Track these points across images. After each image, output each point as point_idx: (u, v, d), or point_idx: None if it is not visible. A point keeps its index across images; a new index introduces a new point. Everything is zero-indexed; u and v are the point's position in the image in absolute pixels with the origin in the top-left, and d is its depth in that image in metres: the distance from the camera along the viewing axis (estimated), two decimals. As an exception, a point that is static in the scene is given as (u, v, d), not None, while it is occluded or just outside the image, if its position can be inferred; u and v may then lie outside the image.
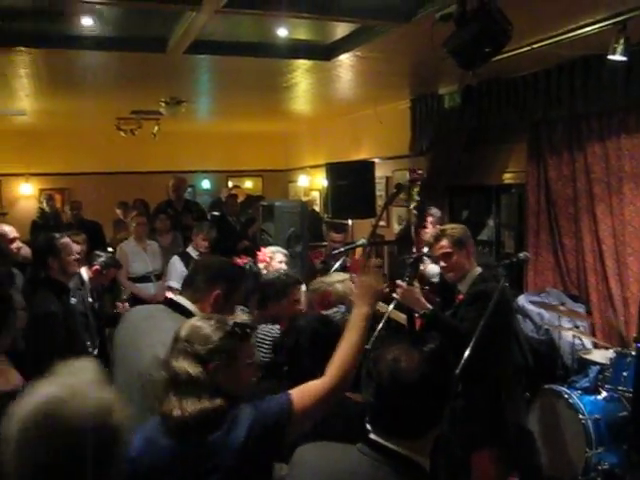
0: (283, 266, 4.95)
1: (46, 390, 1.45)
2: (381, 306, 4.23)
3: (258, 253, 5.21)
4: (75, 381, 1.49)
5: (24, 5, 4.45)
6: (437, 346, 1.76)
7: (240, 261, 5.27)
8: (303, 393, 2.09)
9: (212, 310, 2.61)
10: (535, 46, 5.05)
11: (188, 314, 2.56)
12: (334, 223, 7.54)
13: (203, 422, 1.92)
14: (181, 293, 2.76)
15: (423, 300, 3.74)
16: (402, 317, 4.30)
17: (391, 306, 3.95)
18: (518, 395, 4.00)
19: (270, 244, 5.58)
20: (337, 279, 4.19)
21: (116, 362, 2.71)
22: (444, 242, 3.86)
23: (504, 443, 3.35)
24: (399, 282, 3.90)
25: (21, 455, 1.39)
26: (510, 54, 4.86)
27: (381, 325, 3.78)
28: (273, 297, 3.72)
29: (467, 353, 2.84)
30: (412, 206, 4.25)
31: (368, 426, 1.78)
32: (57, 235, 4.43)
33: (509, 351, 3.45)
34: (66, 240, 4.37)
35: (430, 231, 5.07)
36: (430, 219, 5.25)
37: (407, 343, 1.75)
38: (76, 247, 4.72)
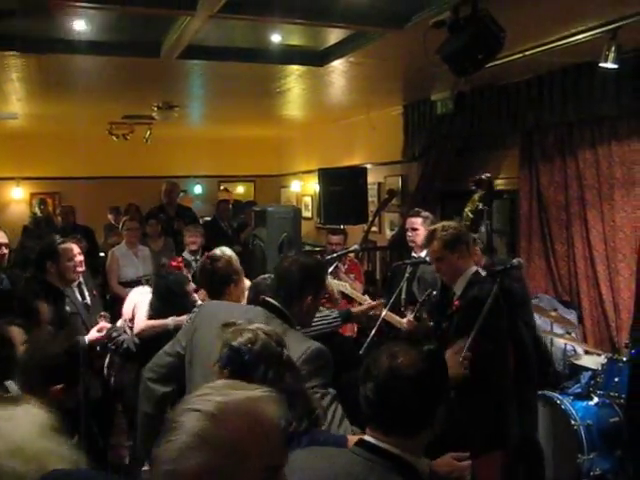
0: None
1: None
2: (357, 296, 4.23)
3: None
4: None
5: (16, 8, 4.43)
6: (434, 347, 1.81)
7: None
8: None
9: (304, 313, 2.69)
10: (527, 53, 5.08)
11: (284, 316, 2.63)
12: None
13: None
14: (273, 297, 2.75)
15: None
16: (397, 319, 4.28)
17: (385, 310, 3.95)
18: (526, 404, 3.91)
19: (263, 249, 5.58)
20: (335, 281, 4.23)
21: (196, 359, 2.70)
22: (434, 246, 3.69)
23: (507, 450, 3.31)
24: (408, 317, 3.83)
25: None
26: (502, 61, 4.89)
27: (374, 330, 3.77)
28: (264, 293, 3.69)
29: (463, 354, 2.83)
30: (468, 209, 4.05)
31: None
32: (60, 240, 4.37)
33: (506, 358, 3.41)
34: (68, 245, 4.31)
35: (422, 234, 4.96)
36: (419, 220, 5.17)
37: (405, 343, 1.81)
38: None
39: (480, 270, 3.75)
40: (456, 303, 3.58)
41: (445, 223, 3.84)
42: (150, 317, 4.61)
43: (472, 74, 4.21)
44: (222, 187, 12.19)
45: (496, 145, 7.05)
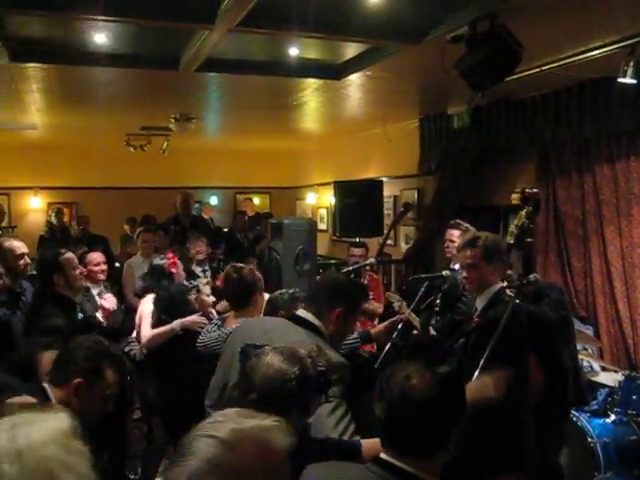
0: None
1: None
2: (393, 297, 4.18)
3: None
4: None
5: (39, 21, 4.49)
6: (452, 369, 1.75)
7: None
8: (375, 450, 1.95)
9: (334, 326, 2.76)
10: (544, 68, 5.07)
11: (313, 328, 2.72)
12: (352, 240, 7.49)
13: None
14: (306, 309, 2.85)
15: None
16: (418, 321, 4.25)
17: (408, 311, 3.94)
18: (553, 430, 3.84)
19: (278, 262, 5.59)
20: None
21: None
22: (474, 252, 3.57)
23: (525, 474, 3.25)
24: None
25: None
26: (520, 75, 4.88)
27: (396, 333, 3.74)
28: (282, 308, 3.66)
29: (476, 374, 2.80)
30: (515, 224, 4.01)
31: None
32: (62, 251, 4.43)
33: (524, 379, 3.34)
34: (70, 255, 4.37)
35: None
36: (457, 233, 4.96)
37: (421, 362, 1.74)
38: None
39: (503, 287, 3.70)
40: (475, 320, 3.53)
41: (488, 233, 3.76)
42: (154, 326, 4.63)
43: (489, 89, 4.22)
44: (245, 197, 12.25)
45: (512, 159, 7.03)
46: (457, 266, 4.60)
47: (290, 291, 3.73)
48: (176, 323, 4.47)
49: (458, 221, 5.15)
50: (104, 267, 5.53)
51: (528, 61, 4.45)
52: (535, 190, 4.10)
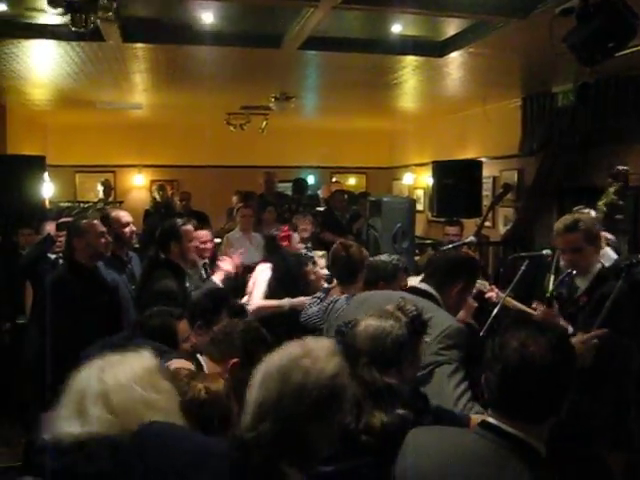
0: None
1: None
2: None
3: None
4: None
5: (150, 2, 4.65)
6: (562, 333, 1.76)
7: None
8: None
9: (453, 300, 2.90)
10: (662, 41, 4.82)
11: (434, 300, 2.83)
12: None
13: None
14: (424, 281, 2.98)
15: (562, 322, 3.53)
16: (520, 307, 4.20)
17: (504, 294, 3.90)
18: None
19: (377, 239, 5.60)
20: None
21: None
22: (577, 236, 3.57)
23: (632, 454, 3.19)
24: (537, 304, 3.76)
25: None
26: (634, 49, 4.66)
27: (495, 312, 3.73)
28: (383, 278, 3.71)
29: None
30: (602, 202, 3.95)
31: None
32: (182, 221, 4.58)
33: (630, 357, 3.28)
34: (189, 228, 4.52)
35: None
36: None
37: (532, 329, 1.76)
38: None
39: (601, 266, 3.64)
40: (583, 298, 3.49)
41: (585, 216, 3.77)
42: (267, 297, 4.72)
43: (600, 64, 4.05)
44: (334, 179, 12.30)
45: (620, 139, 6.73)
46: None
47: (394, 261, 3.75)
48: (286, 301, 4.56)
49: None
50: (210, 246, 5.56)
51: (644, 34, 4.24)
52: (625, 167, 3.97)
